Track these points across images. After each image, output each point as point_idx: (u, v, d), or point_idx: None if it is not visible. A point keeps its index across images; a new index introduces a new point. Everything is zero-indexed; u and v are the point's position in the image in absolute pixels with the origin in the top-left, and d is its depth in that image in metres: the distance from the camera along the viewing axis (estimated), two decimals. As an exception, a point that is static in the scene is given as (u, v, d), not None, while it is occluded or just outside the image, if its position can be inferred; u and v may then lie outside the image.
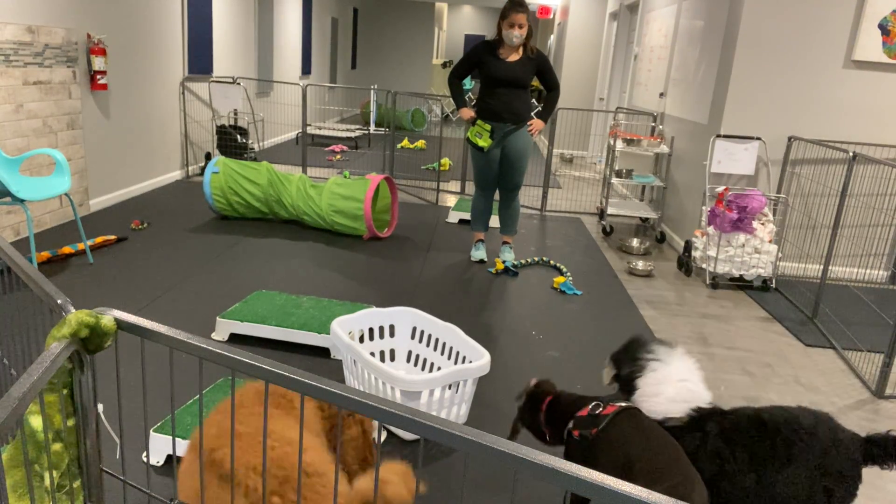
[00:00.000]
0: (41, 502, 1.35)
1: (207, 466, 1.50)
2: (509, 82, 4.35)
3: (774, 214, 4.93)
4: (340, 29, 14.28)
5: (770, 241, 4.58)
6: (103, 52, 5.20)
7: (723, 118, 4.90)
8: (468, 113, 4.53)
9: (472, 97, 7.56)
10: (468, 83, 19.83)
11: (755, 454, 1.81)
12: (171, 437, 2.27)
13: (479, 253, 4.87)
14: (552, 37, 13.67)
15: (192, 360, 3.05)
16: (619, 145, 6.00)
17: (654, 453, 1.73)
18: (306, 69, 11.65)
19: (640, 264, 4.84)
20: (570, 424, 1.95)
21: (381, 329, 3.04)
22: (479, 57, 4.41)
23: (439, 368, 2.91)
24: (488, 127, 4.42)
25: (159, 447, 2.29)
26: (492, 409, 2.84)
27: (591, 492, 1.03)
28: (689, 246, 4.92)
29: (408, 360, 3.07)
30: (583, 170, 9.96)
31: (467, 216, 6.04)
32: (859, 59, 4.67)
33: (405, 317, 3.04)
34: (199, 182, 6.85)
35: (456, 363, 2.81)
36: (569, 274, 4.71)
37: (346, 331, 2.84)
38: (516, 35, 4.25)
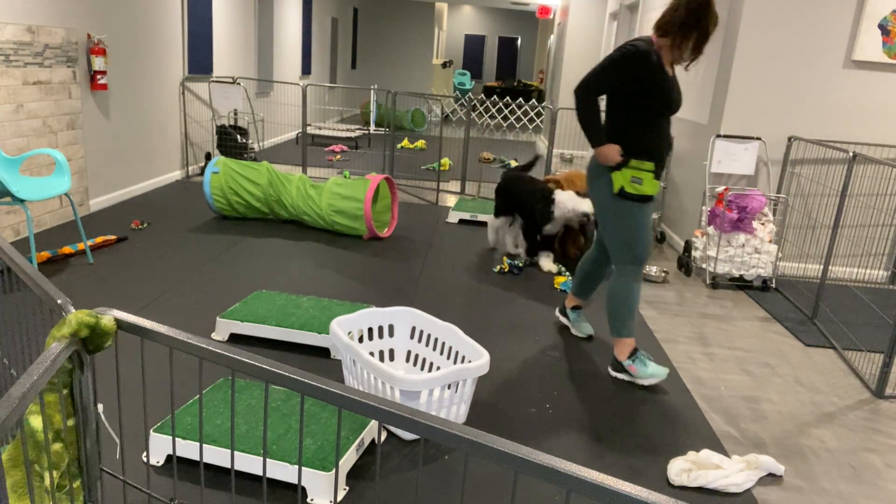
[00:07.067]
0: (41, 502, 1.35)
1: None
2: (677, 107, 3.10)
3: (774, 214, 4.93)
4: (340, 29, 14.28)
5: (770, 241, 4.58)
6: (103, 52, 5.20)
7: (723, 118, 4.90)
8: (615, 153, 3.03)
9: (472, 97, 7.51)
10: (468, 83, 19.39)
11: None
12: (171, 437, 2.27)
13: (585, 327, 3.71)
14: (552, 37, 13.66)
15: (192, 360, 3.05)
16: (619, 145, 5.98)
17: None
18: (306, 69, 11.65)
19: (654, 270, 4.71)
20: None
21: (381, 329, 3.04)
22: (640, 70, 2.92)
23: (438, 368, 2.91)
24: (650, 166, 3.04)
25: (159, 447, 2.29)
26: (492, 409, 2.84)
27: (591, 492, 1.03)
28: (689, 246, 4.92)
29: (407, 360, 3.07)
30: (583, 170, 9.95)
31: (467, 216, 6.03)
32: (859, 59, 4.67)
33: (404, 317, 3.04)
34: (199, 182, 6.85)
35: (455, 363, 2.81)
36: (569, 274, 4.71)
37: (345, 331, 2.84)
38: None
